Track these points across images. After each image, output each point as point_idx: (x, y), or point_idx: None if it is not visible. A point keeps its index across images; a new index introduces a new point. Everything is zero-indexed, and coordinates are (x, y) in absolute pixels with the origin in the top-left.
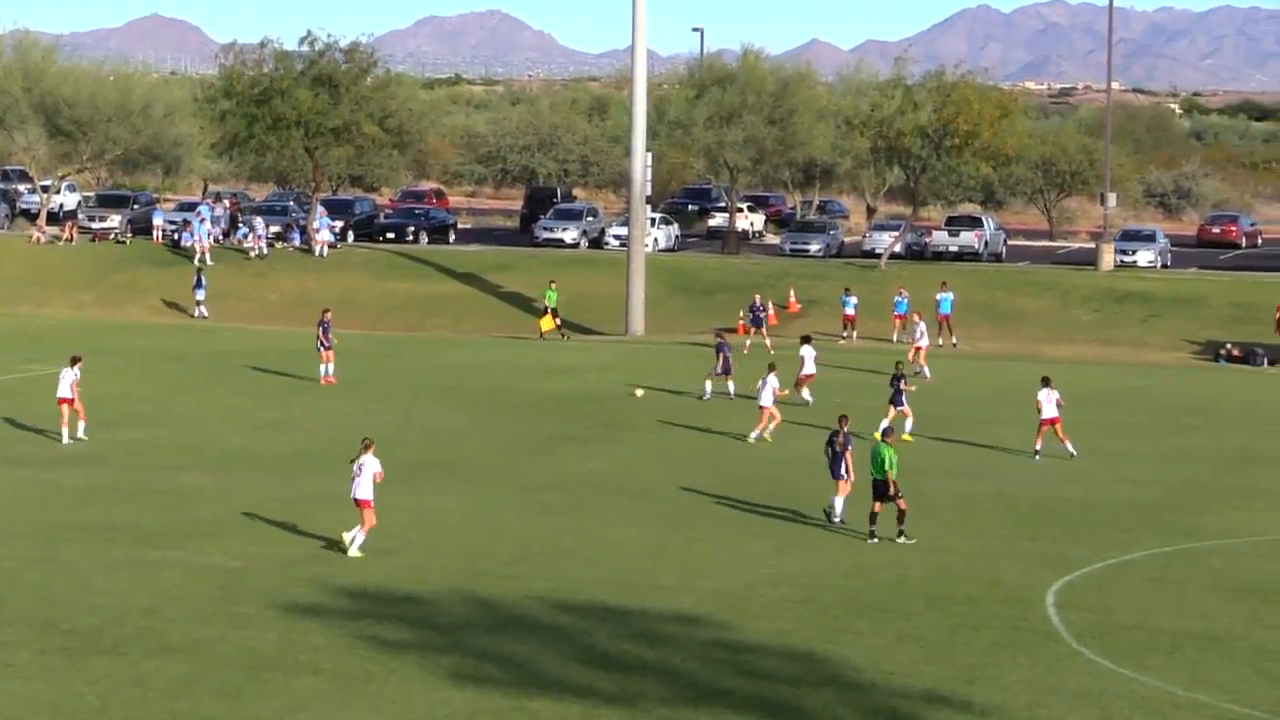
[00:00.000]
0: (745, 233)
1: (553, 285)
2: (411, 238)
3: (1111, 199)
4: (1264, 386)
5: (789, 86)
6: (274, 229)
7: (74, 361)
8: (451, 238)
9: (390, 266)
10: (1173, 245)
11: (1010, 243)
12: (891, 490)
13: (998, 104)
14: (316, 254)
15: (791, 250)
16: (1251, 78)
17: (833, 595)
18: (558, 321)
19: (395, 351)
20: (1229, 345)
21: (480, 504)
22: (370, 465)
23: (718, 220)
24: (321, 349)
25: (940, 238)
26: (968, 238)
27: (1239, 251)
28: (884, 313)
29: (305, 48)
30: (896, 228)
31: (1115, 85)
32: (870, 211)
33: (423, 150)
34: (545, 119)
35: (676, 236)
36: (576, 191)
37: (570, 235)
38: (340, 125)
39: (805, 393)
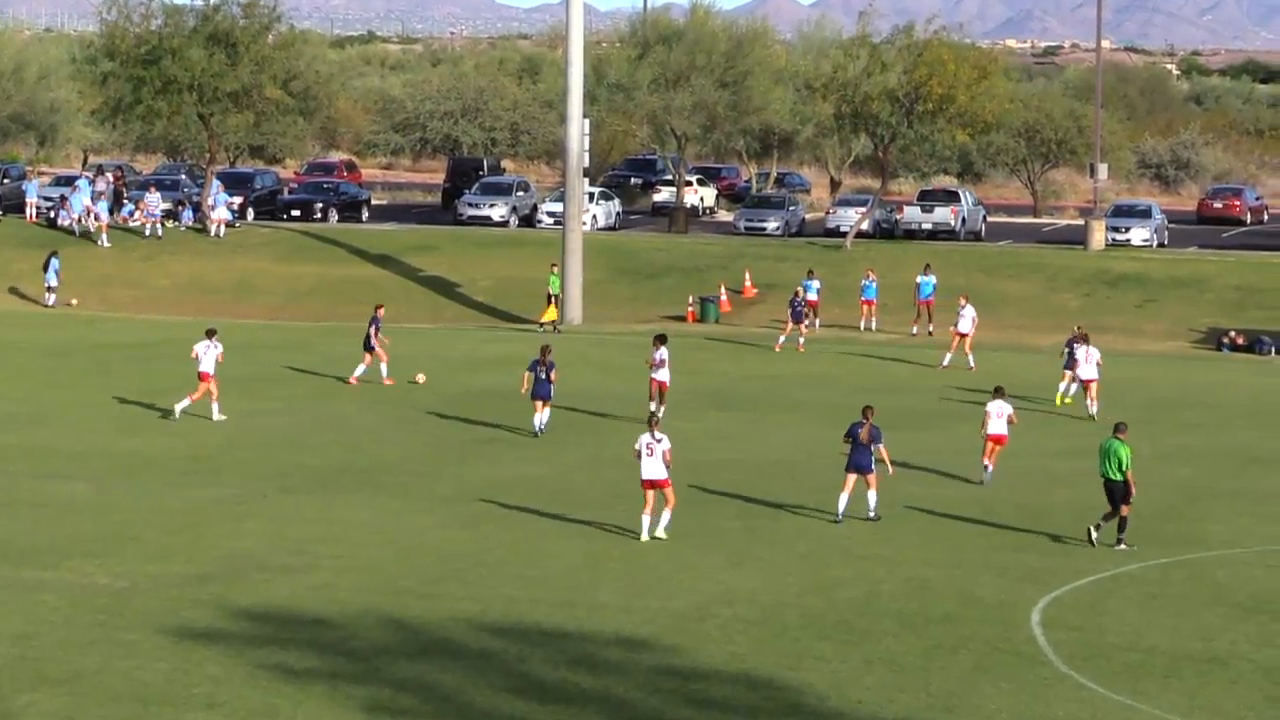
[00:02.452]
0: (695, 209)
1: (555, 270)
2: (319, 216)
3: (1102, 171)
4: (1271, 378)
5: (743, 45)
6: (164, 206)
7: None
8: (365, 215)
9: (296, 248)
10: (1170, 222)
11: (990, 220)
12: (1129, 493)
13: (975, 64)
14: (212, 234)
15: (746, 228)
16: (1256, 35)
17: (793, 614)
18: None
19: (302, 343)
20: (1232, 333)
21: (399, 515)
22: None
23: (664, 195)
24: (368, 349)
25: (912, 214)
26: (943, 214)
27: (1243, 228)
28: (850, 298)
29: (199, 2)
30: (864, 203)
31: (1106, 43)
32: (834, 185)
33: (332, 117)
34: (470, 82)
35: (618, 214)
36: (505, 163)
37: (498, 212)
38: (238, 89)
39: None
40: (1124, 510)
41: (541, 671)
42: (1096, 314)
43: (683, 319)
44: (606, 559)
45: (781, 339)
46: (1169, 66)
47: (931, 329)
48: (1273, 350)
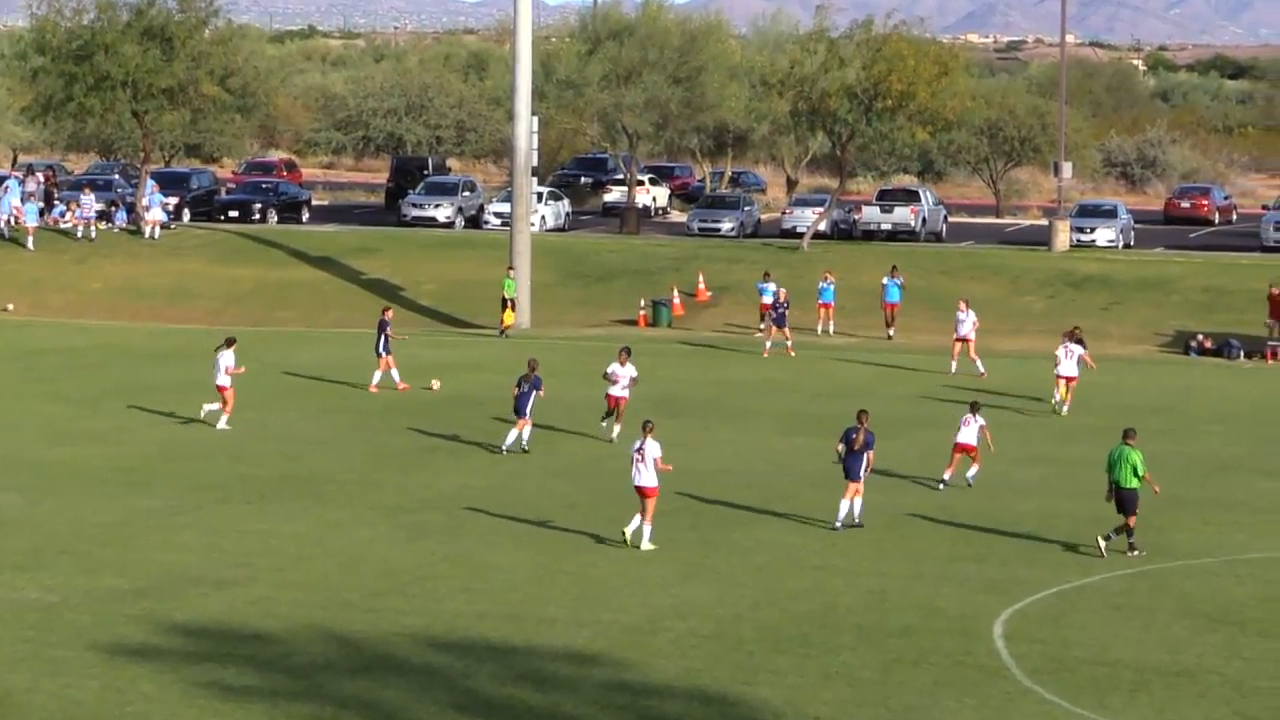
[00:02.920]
0: (647, 209)
1: (511, 274)
2: (258, 216)
3: (1066, 169)
4: (1239, 383)
5: (696, 40)
6: (97, 207)
7: None
8: (305, 216)
9: (233, 250)
10: (1136, 222)
11: (951, 220)
12: (1135, 503)
13: (936, 60)
14: (147, 236)
15: (700, 229)
16: (1224, 29)
17: (748, 628)
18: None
19: (240, 349)
20: (1200, 336)
21: (340, 526)
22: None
23: (615, 195)
24: (380, 355)
25: (871, 214)
26: (903, 214)
27: (1211, 229)
28: (807, 301)
29: None
30: (821, 203)
31: (1070, 38)
32: (791, 184)
33: (271, 114)
34: (414, 78)
35: (567, 214)
36: (451, 162)
37: (444, 213)
38: (174, 85)
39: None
40: (1131, 520)
41: (488, 688)
42: (1061, 317)
43: (634, 323)
44: (555, 571)
45: (768, 344)
46: (1135, 62)
47: (892, 333)
48: (1241, 354)
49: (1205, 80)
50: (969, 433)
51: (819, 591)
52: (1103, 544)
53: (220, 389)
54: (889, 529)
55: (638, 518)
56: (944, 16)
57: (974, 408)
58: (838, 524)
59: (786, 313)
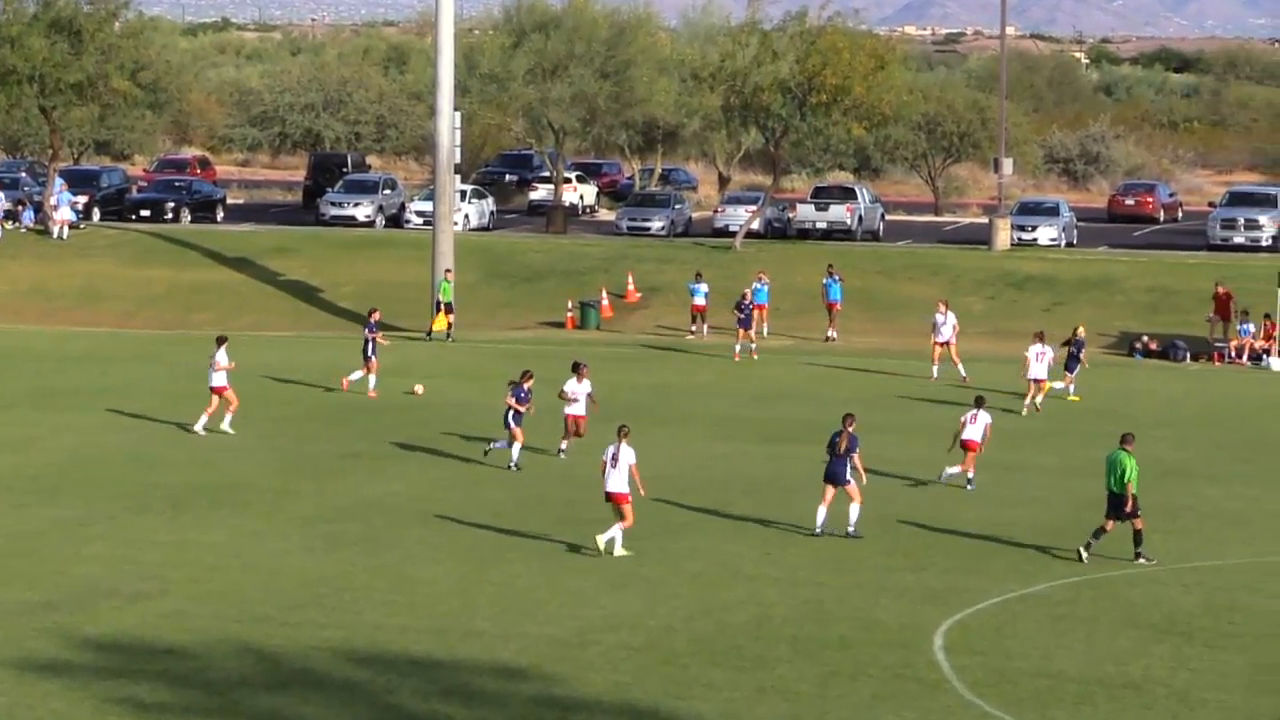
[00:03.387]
0: (574, 207)
1: (449, 276)
2: (171, 216)
3: (1007, 165)
4: (1185, 385)
5: (625, 33)
6: (3, 207)
7: None
8: (220, 215)
9: (145, 251)
10: (1079, 220)
11: (889, 218)
12: (1129, 506)
13: (872, 53)
14: (55, 236)
15: (629, 228)
16: (1169, 21)
17: (680, 640)
18: (451, 320)
19: (152, 353)
20: (1145, 337)
21: (256, 537)
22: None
23: (541, 193)
24: (367, 359)
25: (806, 212)
26: (838, 212)
27: (1156, 227)
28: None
29: None
30: (754, 201)
31: (1011, 30)
32: (723, 181)
33: (184, 110)
34: (332, 72)
35: (491, 213)
36: (371, 159)
37: (363, 212)
38: (83, 80)
39: None
40: (1137, 524)
41: (411, 703)
42: (1002, 318)
43: (562, 325)
44: (481, 583)
45: (737, 347)
46: (1077, 55)
47: (835, 333)
48: (1187, 356)
49: (1150, 74)
50: (975, 430)
51: (754, 602)
52: (1084, 554)
53: (218, 390)
54: (826, 538)
55: (616, 527)
56: (880, 8)
57: (978, 403)
58: (818, 529)
59: (753, 313)
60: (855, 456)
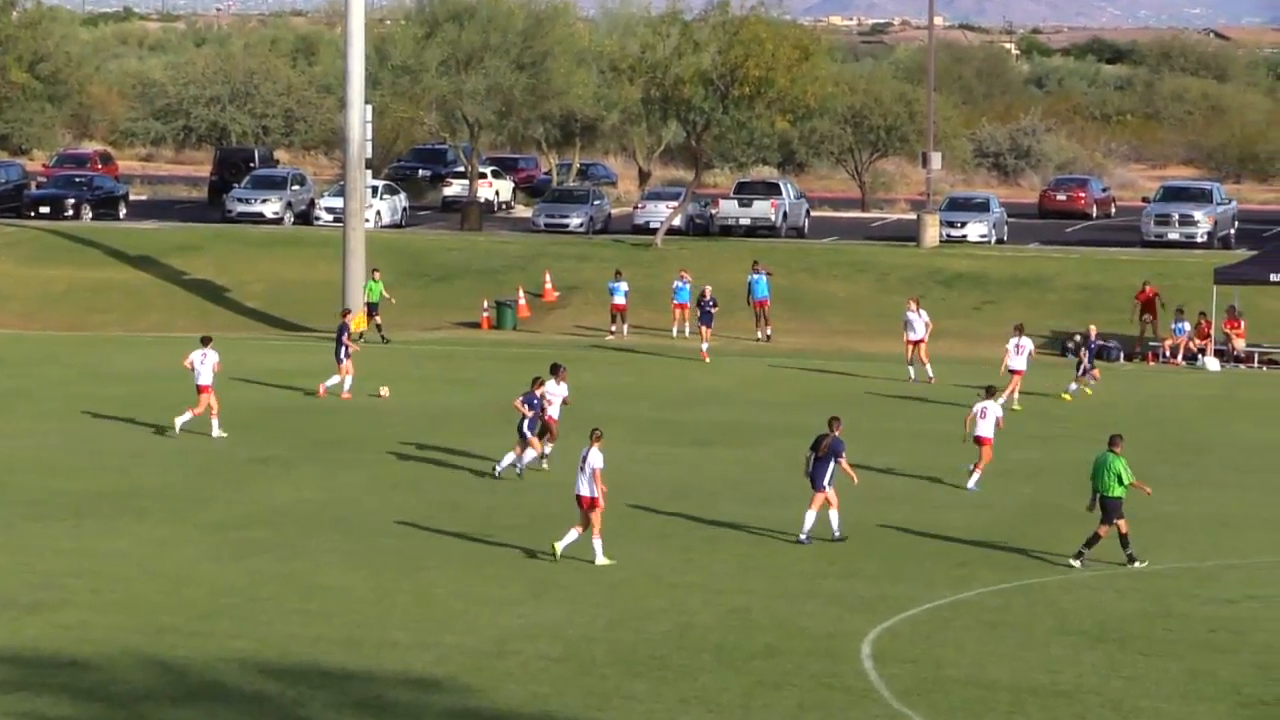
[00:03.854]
0: (489, 204)
1: (376, 276)
2: (71, 213)
3: (935, 160)
4: (1118, 385)
5: (541, 23)
6: None
7: None
8: (122, 212)
9: (44, 249)
10: (1010, 216)
11: (814, 214)
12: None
13: (796, 44)
14: None
15: (547, 225)
16: (1101, 11)
17: (601, 650)
18: (377, 321)
19: (53, 355)
20: (1078, 336)
21: (162, 545)
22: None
23: (455, 189)
24: (340, 361)
25: (729, 208)
26: (762, 208)
27: (1089, 222)
28: (661, 301)
29: None
30: (676, 196)
31: (938, 20)
32: (643, 177)
33: (84, 103)
34: (239, 64)
35: (404, 209)
36: (279, 154)
37: (271, 208)
38: None
39: None
40: (1122, 527)
41: (323, 716)
42: (931, 317)
43: (477, 325)
44: (395, 591)
45: (705, 346)
46: (1007, 46)
47: (769, 332)
48: (1121, 356)
49: (1082, 65)
50: (987, 425)
51: (676, 610)
52: (1074, 564)
53: (205, 389)
54: (750, 544)
55: (573, 532)
56: None
57: (989, 392)
58: (803, 536)
59: (714, 311)
60: (841, 460)
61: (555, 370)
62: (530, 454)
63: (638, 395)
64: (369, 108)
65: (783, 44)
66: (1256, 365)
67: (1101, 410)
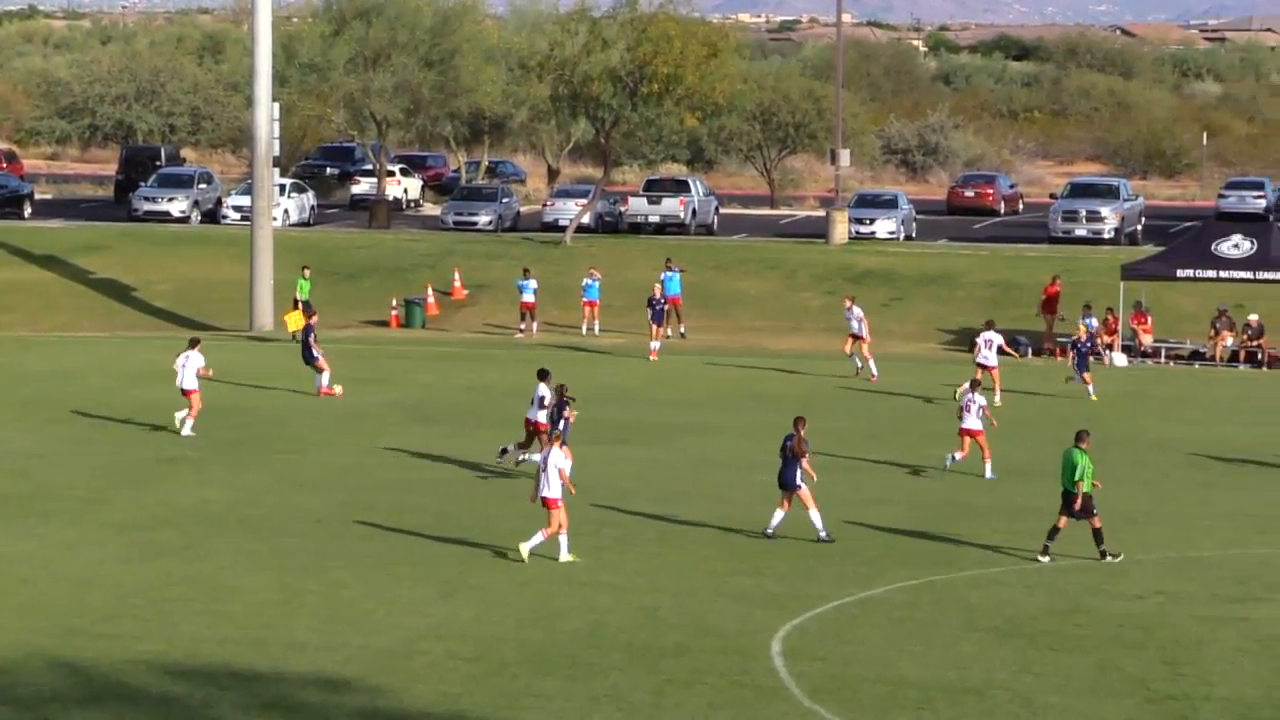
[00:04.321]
0: (398, 202)
1: (306, 274)
2: None
3: (844, 157)
4: (1028, 381)
5: (449, 20)
6: None
7: None
8: (27, 211)
9: None
10: (918, 212)
11: (723, 211)
12: (1078, 505)
13: (704, 41)
14: None
15: (455, 223)
16: (1009, 8)
17: (511, 650)
18: (313, 320)
19: None
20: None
21: (67, 547)
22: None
23: (363, 186)
24: (309, 361)
25: (638, 206)
26: (671, 205)
27: (997, 219)
28: (571, 298)
29: None
30: (585, 194)
31: (846, 18)
32: (552, 174)
33: None
34: (145, 61)
35: (312, 207)
36: (186, 152)
37: (178, 207)
38: None
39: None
40: (1094, 522)
41: (231, 717)
42: (840, 314)
43: (386, 324)
44: (303, 592)
45: (655, 345)
46: (915, 43)
47: (683, 330)
48: (1029, 351)
49: (989, 62)
50: (973, 418)
51: (587, 609)
52: (1042, 559)
53: (188, 392)
54: (660, 542)
55: (539, 534)
56: None
57: (973, 385)
58: (769, 530)
59: (664, 310)
60: (804, 460)
61: (543, 375)
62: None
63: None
64: (276, 106)
65: (691, 41)
66: (1163, 361)
67: (1010, 406)
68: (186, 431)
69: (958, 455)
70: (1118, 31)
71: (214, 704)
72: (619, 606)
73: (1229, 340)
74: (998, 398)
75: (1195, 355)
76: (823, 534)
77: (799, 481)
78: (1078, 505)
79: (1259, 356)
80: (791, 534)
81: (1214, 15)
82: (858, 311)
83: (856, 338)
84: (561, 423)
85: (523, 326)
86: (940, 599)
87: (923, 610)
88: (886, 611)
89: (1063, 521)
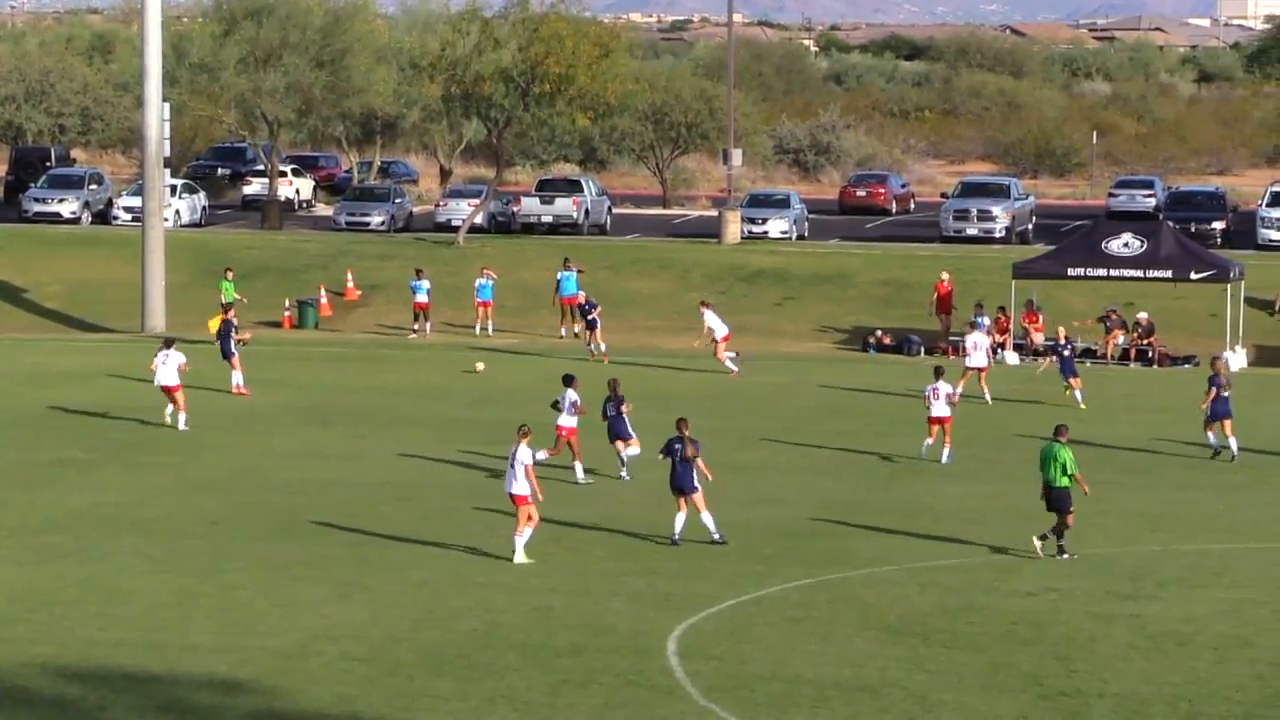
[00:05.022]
0: (290, 202)
1: (229, 276)
2: None
3: (736, 156)
4: (921, 379)
5: (340, 20)
6: None
7: None
8: None
9: None
10: (810, 212)
11: (616, 211)
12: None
13: (596, 40)
14: None
15: (348, 223)
16: (899, 8)
17: (405, 650)
18: (230, 314)
19: None
20: (879, 332)
21: None
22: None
23: (255, 187)
24: (229, 356)
25: (531, 206)
26: (564, 205)
27: (889, 218)
28: (464, 299)
29: None
30: (477, 194)
31: (738, 18)
32: (444, 174)
33: None
34: (33, 62)
35: (204, 208)
36: (76, 153)
37: (69, 208)
38: None
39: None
40: (1068, 519)
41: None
42: (733, 313)
43: (278, 325)
44: (197, 595)
45: (600, 347)
46: (806, 42)
47: (578, 329)
48: (922, 350)
49: (880, 61)
50: (941, 406)
51: (482, 610)
52: (1038, 544)
53: (170, 389)
54: (553, 542)
55: (517, 537)
56: None
57: (938, 373)
58: (676, 537)
59: (598, 315)
60: (699, 461)
61: (568, 380)
62: (632, 450)
63: (441, 395)
64: (167, 106)
65: (583, 41)
66: (1054, 359)
67: (903, 404)
68: (182, 426)
69: (929, 442)
70: (1008, 31)
71: (108, 707)
72: (514, 607)
73: (1120, 338)
74: (986, 396)
75: (1087, 353)
76: (716, 536)
77: (696, 484)
78: (1070, 501)
79: (1149, 354)
80: (685, 535)
81: (1103, 14)
82: (709, 313)
83: (720, 340)
84: (620, 417)
85: (416, 327)
86: (834, 598)
87: (817, 609)
88: (781, 610)
89: (1069, 519)
